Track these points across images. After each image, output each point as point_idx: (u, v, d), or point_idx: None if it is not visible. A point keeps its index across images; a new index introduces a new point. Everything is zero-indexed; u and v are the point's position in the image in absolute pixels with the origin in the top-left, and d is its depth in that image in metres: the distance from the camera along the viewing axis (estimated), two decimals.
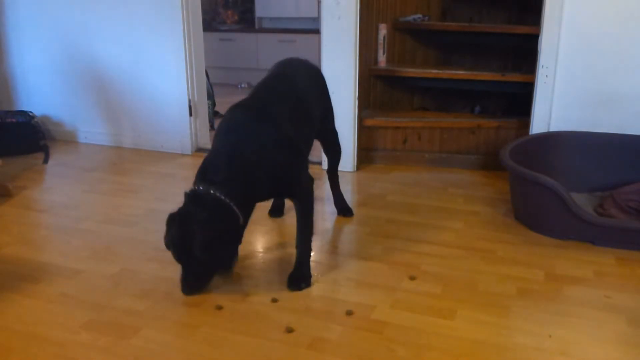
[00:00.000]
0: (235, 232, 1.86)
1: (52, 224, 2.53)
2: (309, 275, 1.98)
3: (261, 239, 2.41)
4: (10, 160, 3.40)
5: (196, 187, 1.82)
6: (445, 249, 2.25)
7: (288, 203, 2.63)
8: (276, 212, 2.60)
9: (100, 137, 3.86)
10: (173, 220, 1.83)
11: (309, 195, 2.02)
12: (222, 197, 1.78)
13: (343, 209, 2.60)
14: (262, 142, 1.86)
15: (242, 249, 2.26)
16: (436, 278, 2.02)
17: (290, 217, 2.60)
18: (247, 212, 1.88)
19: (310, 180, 2.16)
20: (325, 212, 2.67)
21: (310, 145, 2.21)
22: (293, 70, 2.24)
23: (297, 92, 2.12)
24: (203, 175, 1.85)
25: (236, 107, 1.97)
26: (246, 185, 1.83)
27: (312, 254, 2.04)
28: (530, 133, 2.95)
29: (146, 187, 3.01)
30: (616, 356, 1.59)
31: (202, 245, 1.77)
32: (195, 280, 1.90)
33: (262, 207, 2.69)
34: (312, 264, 2.10)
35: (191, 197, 1.82)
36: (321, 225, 2.53)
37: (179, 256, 1.85)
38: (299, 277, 1.96)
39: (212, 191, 1.79)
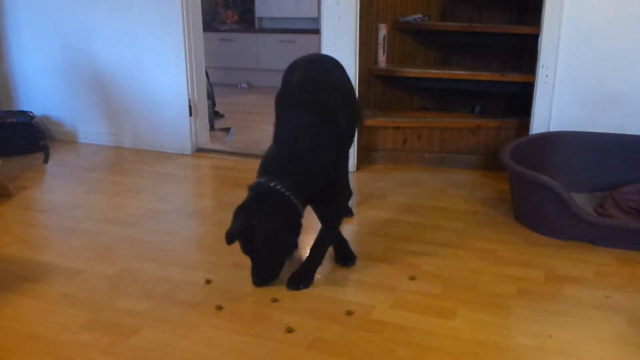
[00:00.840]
0: (296, 225, 1.91)
1: (52, 224, 2.54)
2: (311, 279, 1.99)
3: None
4: (10, 160, 3.40)
5: (260, 180, 1.87)
6: (445, 249, 2.25)
7: None
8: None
9: (100, 137, 3.86)
10: (238, 212, 1.88)
11: (344, 205, 2.07)
12: (284, 191, 1.84)
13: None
14: (322, 140, 1.91)
15: (241, 252, 2.26)
16: (436, 278, 2.02)
17: None
18: (304, 205, 1.92)
19: (349, 192, 2.16)
20: None
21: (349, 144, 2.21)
22: (328, 64, 2.21)
23: (341, 86, 2.15)
24: (266, 168, 1.91)
25: (299, 104, 1.97)
26: (306, 180, 1.88)
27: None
28: (530, 133, 2.95)
29: (146, 187, 3.01)
30: (616, 356, 1.59)
31: (263, 237, 1.83)
32: (265, 271, 1.94)
33: None
34: None
35: (254, 190, 1.87)
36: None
37: (245, 248, 1.90)
38: (300, 277, 1.97)
39: (274, 184, 1.84)
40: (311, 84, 2.04)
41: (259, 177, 1.90)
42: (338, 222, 2.06)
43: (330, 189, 1.96)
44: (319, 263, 2.03)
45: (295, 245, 2.01)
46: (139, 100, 3.68)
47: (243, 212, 1.87)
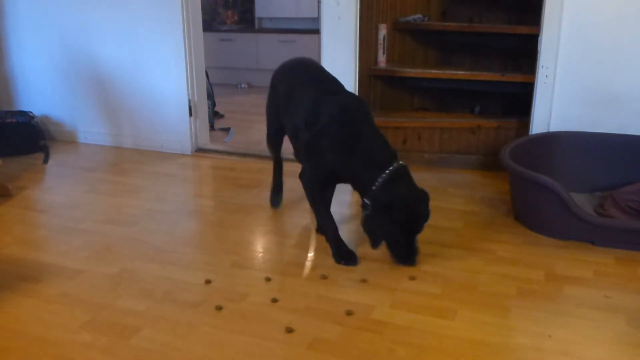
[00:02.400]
0: None
1: (52, 224, 2.53)
2: (344, 253, 2.16)
3: (261, 239, 2.41)
4: (10, 160, 3.40)
5: (399, 164, 2.05)
6: (445, 249, 2.25)
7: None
8: (276, 201, 2.73)
9: (100, 137, 3.86)
10: (394, 204, 2.00)
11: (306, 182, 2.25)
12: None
13: None
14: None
15: (241, 252, 2.26)
16: (436, 278, 2.02)
17: (290, 217, 2.61)
18: None
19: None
20: None
21: None
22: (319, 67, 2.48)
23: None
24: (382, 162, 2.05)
25: (346, 106, 2.17)
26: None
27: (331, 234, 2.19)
28: (530, 133, 2.95)
29: (146, 187, 3.01)
30: (616, 356, 1.59)
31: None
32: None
33: (262, 209, 2.69)
34: (311, 263, 2.12)
35: (406, 174, 2.07)
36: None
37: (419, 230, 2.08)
38: (335, 254, 2.17)
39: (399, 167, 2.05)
40: (330, 82, 2.32)
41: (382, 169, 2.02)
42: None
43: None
44: (328, 236, 2.23)
45: None
46: (139, 101, 3.68)
47: (421, 196, 2.07)
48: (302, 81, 2.34)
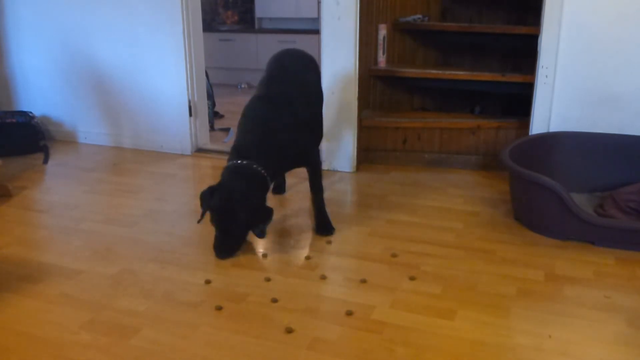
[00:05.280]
0: (265, 197, 2.23)
1: (52, 224, 2.54)
2: (331, 222, 2.41)
3: (261, 239, 2.41)
4: (10, 161, 3.40)
5: (236, 162, 2.17)
6: (445, 249, 2.25)
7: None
8: (278, 189, 2.89)
9: (100, 138, 3.86)
10: (214, 191, 2.15)
11: (319, 163, 2.43)
12: (259, 168, 2.16)
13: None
14: (284, 127, 2.26)
15: (241, 252, 2.27)
16: (436, 278, 2.02)
17: (290, 217, 2.61)
18: (273, 180, 2.27)
19: (319, 152, 2.48)
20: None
21: (321, 122, 2.59)
22: (294, 59, 2.55)
23: (303, 79, 2.47)
24: (237, 154, 2.20)
25: (259, 99, 2.33)
26: (274, 160, 2.22)
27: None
28: (530, 133, 2.95)
29: (146, 188, 3.01)
30: (616, 356, 1.59)
31: (249, 209, 2.11)
32: (232, 245, 2.18)
33: None
34: (311, 263, 2.12)
35: (233, 169, 2.16)
36: None
37: (222, 222, 2.13)
38: (326, 224, 2.40)
39: (250, 163, 2.15)
40: (271, 79, 2.42)
41: (234, 159, 2.19)
42: (319, 169, 2.43)
43: (304, 159, 2.38)
44: (325, 205, 2.44)
45: (268, 220, 2.19)
46: (139, 101, 3.68)
47: (222, 189, 2.13)
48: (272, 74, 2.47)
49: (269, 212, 2.17)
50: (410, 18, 3.68)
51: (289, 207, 2.71)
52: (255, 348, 1.62)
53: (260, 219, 2.15)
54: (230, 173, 2.16)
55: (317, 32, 5.01)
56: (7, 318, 1.78)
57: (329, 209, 2.62)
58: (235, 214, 2.10)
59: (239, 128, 2.29)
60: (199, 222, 2.27)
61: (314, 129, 2.46)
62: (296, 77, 2.45)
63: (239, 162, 2.16)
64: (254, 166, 2.15)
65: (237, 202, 2.10)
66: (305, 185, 2.74)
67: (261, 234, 2.17)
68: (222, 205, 2.11)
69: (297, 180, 3.04)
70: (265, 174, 2.17)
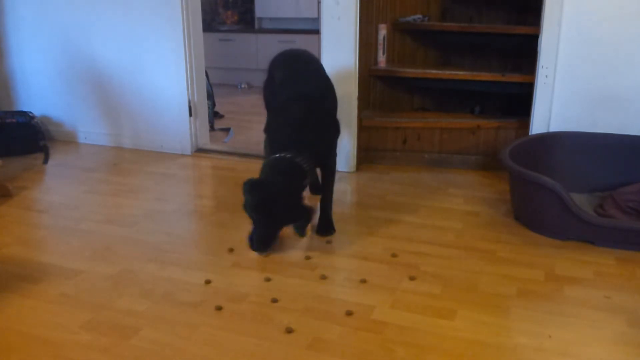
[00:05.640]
0: (302, 192, 2.24)
1: (52, 225, 2.53)
2: (333, 226, 2.43)
3: None
4: (10, 161, 3.40)
5: (277, 155, 2.19)
6: (445, 249, 2.25)
7: None
8: (317, 189, 2.81)
9: (100, 138, 3.86)
10: (253, 185, 2.14)
11: (335, 164, 2.45)
12: (300, 161, 2.18)
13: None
14: (318, 122, 2.32)
15: (241, 252, 2.27)
16: (436, 278, 2.02)
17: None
18: (309, 174, 2.28)
19: (336, 154, 2.50)
20: None
21: (337, 119, 2.55)
22: (309, 58, 2.61)
23: (324, 77, 2.53)
24: (277, 148, 2.23)
25: (293, 97, 2.35)
26: (311, 154, 2.23)
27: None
28: (530, 133, 2.95)
29: (146, 188, 3.01)
30: (616, 356, 1.59)
31: (286, 206, 2.15)
32: (268, 238, 2.19)
33: None
34: (311, 263, 2.12)
35: (274, 164, 2.18)
36: None
37: (261, 214, 2.13)
38: (328, 226, 2.41)
39: (291, 157, 2.18)
40: (299, 80, 2.45)
41: (272, 154, 2.22)
42: (335, 170, 2.45)
43: (326, 156, 2.39)
44: (331, 210, 2.46)
45: (309, 216, 2.25)
46: (139, 101, 3.68)
47: (261, 185, 2.15)
48: (283, 76, 2.51)
49: (307, 211, 2.21)
50: (410, 18, 3.68)
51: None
52: (255, 348, 1.62)
53: (297, 217, 2.21)
54: (271, 168, 2.18)
55: (317, 32, 5.01)
56: (7, 318, 1.78)
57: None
58: (272, 211, 2.13)
59: (272, 125, 2.37)
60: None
61: (336, 125, 2.48)
62: (319, 75, 2.50)
63: (279, 155, 2.18)
64: (296, 159, 2.18)
65: (275, 200, 2.12)
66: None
67: (302, 232, 2.32)
68: (260, 202, 2.12)
69: None
70: (305, 167, 2.20)
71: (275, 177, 2.15)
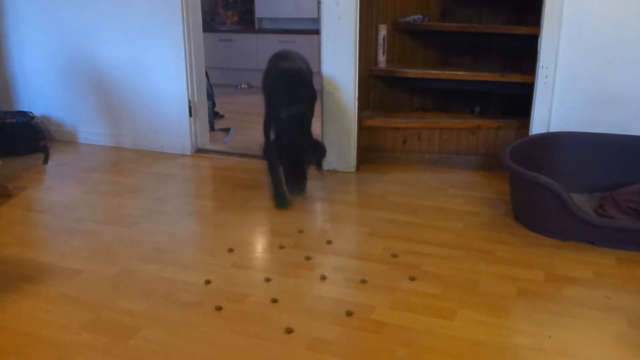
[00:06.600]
0: None
1: (52, 225, 2.54)
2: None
3: (261, 239, 2.41)
4: (10, 161, 3.40)
5: (291, 109, 2.63)
6: (445, 249, 2.25)
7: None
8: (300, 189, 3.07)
9: (100, 138, 3.86)
10: (280, 135, 2.67)
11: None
12: (308, 112, 2.69)
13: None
14: (308, 87, 2.84)
15: (241, 252, 2.27)
16: (436, 278, 2.02)
17: (290, 217, 2.61)
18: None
19: None
20: (324, 212, 2.68)
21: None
22: (293, 52, 3.11)
23: (305, 61, 3.04)
24: (288, 104, 2.66)
25: (284, 70, 2.85)
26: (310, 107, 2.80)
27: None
28: (530, 133, 2.95)
29: (146, 188, 3.01)
30: (616, 356, 1.59)
31: (313, 143, 2.69)
32: (303, 180, 2.67)
33: (262, 209, 2.69)
34: (311, 263, 2.12)
35: (292, 116, 2.63)
36: (321, 225, 2.53)
37: (296, 156, 2.61)
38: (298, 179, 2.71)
39: (303, 110, 2.65)
40: (285, 60, 2.95)
41: (285, 110, 2.65)
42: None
43: (312, 112, 2.82)
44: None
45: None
46: (139, 101, 3.68)
47: (289, 130, 2.63)
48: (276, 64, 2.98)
49: (323, 146, 2.83)
50: (410, 18, 3.68)
51: (289, 207, 2.71)
52: (255, 348, 1.62)
53: (321, 152, 2.77)
54: (290, 119, 2.62)
55: (317, 32, 4.99)
56: (7, 318, 1.78)
57: (329, 209, 2.63)
58: (304, 147, 2.62)
59: (273, 90, 2.83)
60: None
61: (314, 89, 2.93)
62: (302, 59, 3.04)
63: (292, 109, 2.63)
64: (306, 111, 2.67)
65: (303, 138, 2.63)
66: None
67: (319, 165, 2.94)
68: (293, 141, 2.60)
69: None
70: (310, 115, 2.71)
71: (296, 124, 2.63)
